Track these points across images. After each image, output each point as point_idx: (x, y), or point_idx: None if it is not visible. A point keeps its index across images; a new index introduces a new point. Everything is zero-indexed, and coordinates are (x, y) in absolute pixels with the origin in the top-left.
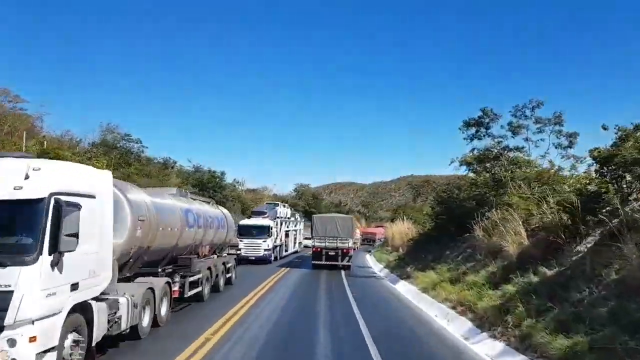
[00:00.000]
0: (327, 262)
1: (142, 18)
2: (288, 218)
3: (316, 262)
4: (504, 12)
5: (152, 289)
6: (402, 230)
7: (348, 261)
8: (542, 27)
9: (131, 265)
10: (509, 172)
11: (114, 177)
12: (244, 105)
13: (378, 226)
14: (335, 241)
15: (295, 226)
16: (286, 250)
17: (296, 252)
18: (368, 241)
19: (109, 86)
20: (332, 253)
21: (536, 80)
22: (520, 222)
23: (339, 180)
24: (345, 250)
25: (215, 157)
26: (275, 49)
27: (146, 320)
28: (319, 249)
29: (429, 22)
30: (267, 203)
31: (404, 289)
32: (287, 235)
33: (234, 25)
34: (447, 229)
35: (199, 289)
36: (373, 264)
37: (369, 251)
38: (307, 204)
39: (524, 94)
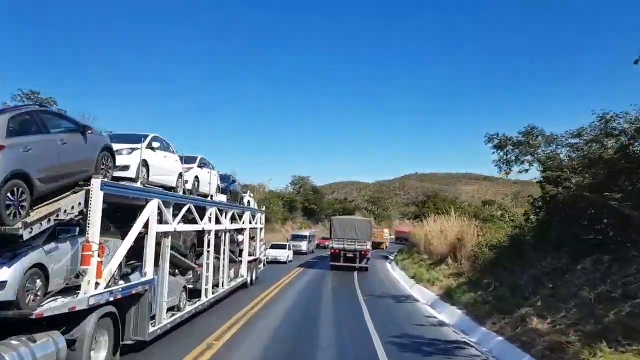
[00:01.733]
0: (345, 264)
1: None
2: (209, 201)
3: (334, 263)
4: None
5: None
6: (448, 229)
7: (366, 263)
8: None
9: None
10: None
11: None
12: (244, 104)
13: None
14: (353, 243)
15: (243, 221)
16: (212, 291)
17: (245, 284)
18: (401, 240)
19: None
20: (350, 255)
21: None
22: None
23: (342, 180)
24: (363, 252)
25: (218, 156)
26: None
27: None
28: (337, 251)
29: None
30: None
31: None
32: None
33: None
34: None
35: None
36: (407, 284)
37: (386, 257)
38: (306, 200)
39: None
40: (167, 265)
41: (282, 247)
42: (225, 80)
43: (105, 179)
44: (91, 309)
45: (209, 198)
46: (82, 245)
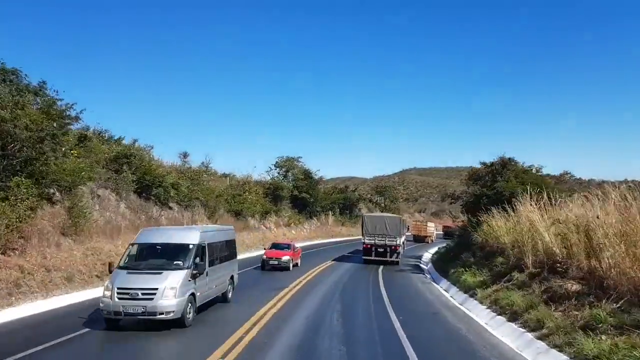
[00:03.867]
0: (377, 258)
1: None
2: None
3: (367, 258)
4: None
5: None
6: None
7: (396, 257)
8: None
9: None
10: None
11: None
12: (237, 101)
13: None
14: (384, 239)
15: None
16: None
17: None
18: (449, 235)
19: None
20: (381, 250)
21: None
22: None
23: (339, 175)
24: (393, 247)
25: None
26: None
27: None
28: (369, 246)
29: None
30: None
31: None
32: None
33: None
34: None
35: None
36: None
37: (417, 265)
38: (295, 187)
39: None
40: None
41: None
42: (218, 74)
43: None
44: None
45: None
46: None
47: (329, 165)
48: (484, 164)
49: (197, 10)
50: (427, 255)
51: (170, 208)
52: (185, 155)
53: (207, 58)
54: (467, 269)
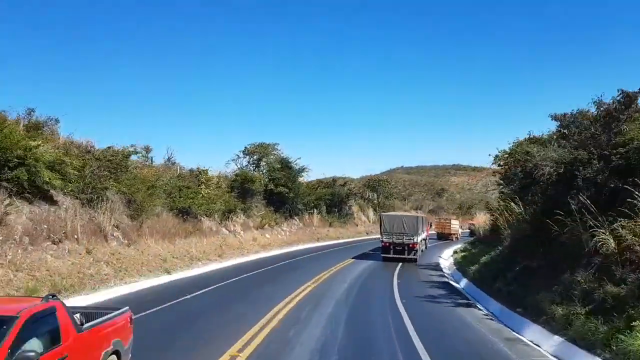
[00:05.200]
0: (395, 256)
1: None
2: None
3: (385, 255)
4: None
5: None
6: None
7: (414, 255)
8: None
9: None
10: None
11: None
12: (229, 91)
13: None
14: (401, 237)
15: None
16: None
17: None
18: (473, 232)
19: None
20: (399, 248)
21: None
22: None
23: (326, 176)
24: (411, 245)
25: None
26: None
27: None
28: (387, 244)
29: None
30: None
31: None
32: None
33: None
34: None
35: None
36: None
37: (454, 289)
38: (270, 179)
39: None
40: None
41: None
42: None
43: None
44: None
45: None
46: None
47: (313, 164)
48: (563, 116)
49: (197, 10)
50: (444, 262)
51: (54, 202)
52: (147, 149)
53: (203, 57)
54: (613, 314)
